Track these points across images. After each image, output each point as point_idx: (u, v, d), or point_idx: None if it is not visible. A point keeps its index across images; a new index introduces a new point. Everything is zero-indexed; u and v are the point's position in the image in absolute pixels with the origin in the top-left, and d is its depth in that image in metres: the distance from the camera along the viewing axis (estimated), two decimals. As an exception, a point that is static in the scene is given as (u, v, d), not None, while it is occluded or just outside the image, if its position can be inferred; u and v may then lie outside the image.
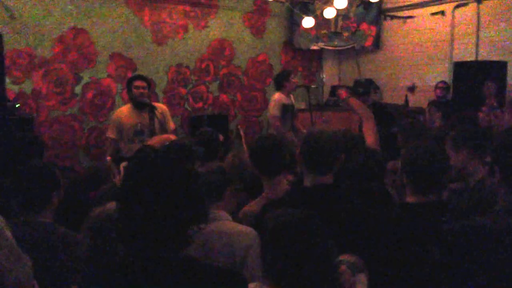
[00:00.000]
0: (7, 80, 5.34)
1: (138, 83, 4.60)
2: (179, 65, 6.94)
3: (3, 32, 4.97)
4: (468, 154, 2.62)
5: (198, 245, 2.05)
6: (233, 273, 1.56)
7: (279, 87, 5.87)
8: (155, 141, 3.60)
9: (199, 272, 1.39)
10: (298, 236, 1.54)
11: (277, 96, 5.81)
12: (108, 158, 4.35)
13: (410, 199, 2.22)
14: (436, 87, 6.67)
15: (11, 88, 5.54)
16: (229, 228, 2.18)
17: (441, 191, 2.22)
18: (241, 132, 7.18)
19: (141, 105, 4.54)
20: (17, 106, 5.11)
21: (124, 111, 4.70)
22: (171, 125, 4.84)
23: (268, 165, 2.54)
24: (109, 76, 6.31)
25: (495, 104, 5.22)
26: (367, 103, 7.02)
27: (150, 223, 1.33)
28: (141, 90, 4.59)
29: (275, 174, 2.54)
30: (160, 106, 4.77)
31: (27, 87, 5.72)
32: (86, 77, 6.13)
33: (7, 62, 5.35)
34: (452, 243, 1.63)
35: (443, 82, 6.71)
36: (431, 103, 6.22)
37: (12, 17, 5.48)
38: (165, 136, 3.95)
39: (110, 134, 4.72)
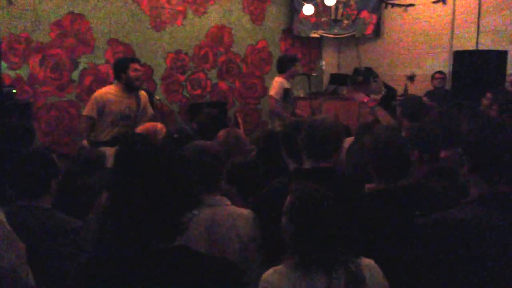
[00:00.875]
0: (4, 65, 5.31)
1: (136, 66, 4.45)
2: (177, 52, 6.90)
3: (1, 17, 4.94)
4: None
5: (204, 233, 2.06)
6: (228, 263, 1.56)
7: (282, 70, 5.71)
8: (142, 129, 3.57)
9: (193, 262, 1.38)
10: (318, 208, 1.68)
11: (279, 79, 5.66)
12: (84, 141, 4.25)
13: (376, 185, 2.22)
14: (433, 77, 6.65)
15: (8, 73, 5.50)
16: (232, 212, 2.17)
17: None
18: (239, 120, 7.17)
19: (134, 88, 4.42)
20: (14, 91, 5.06)
21: (111, 92, 4.44)
22: (150, 110, 4.70)
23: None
24: (106, 62, 6.26)
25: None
26: (367, 92, 7.02)
27: (142, 212, 1.31)
28: (139, 73, 4.46)
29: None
30: (143, 94, 4.64)
31: (24, 72, 5.68)
32: (83, 63, 6.09)
33: (4, 47, 5.33)
34: (426, 237, 1.64)
35: (440, 72, 6.67)
36: (427, 93, 6.20)
37: (9, 2, 5.42)
38: (150, 124, 3.88)
39: (89, 112, 4.38)
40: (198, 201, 1.50)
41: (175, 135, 3.40)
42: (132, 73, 4.38)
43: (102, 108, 4.36)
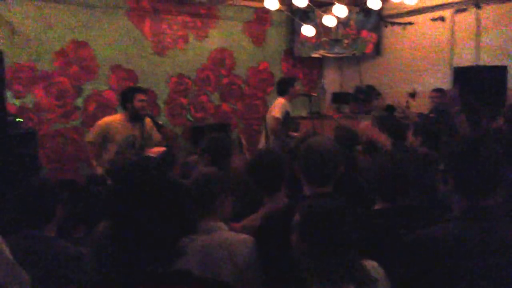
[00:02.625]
0: (9, 94, 5.39)
1: (141, 96, 4.55)
2: (180, 76, 6.97)
3: (4, 47, 5.03)
4: None
5: (199, 259, 2.05)
6: (226, 285, 1.57)
7: (282, 93, 5.80)
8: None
9: (193, 285, 1.40)
10: (330, 223, 1.69)
11: (281, 100, 5.73)
12: (94, 164, 4.28)
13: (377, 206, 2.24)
14: (430, 96, 6.26)
15: (13, 102, 5.58)
16: (228, 238, 2.15)
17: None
18: (243, 141, 7.20)
19: (140, 118, 4.51)
20: (18, 120, 5.12)
21: (116, 120, 4.56)
22: (156, 136, 4.74)
23: (269, 181, 2.48)
24: (110, 88, 6.34)
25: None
26: (368, 110, 7.06)
27: (140, 236, 1.34)
28: (144, 104, 4.56)
29: (275, 189, 2.50)
30: (148, 121, 4.71)
31: (28, 100, 5.76)
32: (87, 90, 6.17)
33: (8, 76, 5.41)
34: (409, 255, 1.65)
35: (436, 90, 6.22)
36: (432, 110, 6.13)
37: (13, 32, 5.52)
38: (156, 149, 3.93)
39: (92, 138, 4.52)
40: (195, 226, 1.52)
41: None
42: (137, 103, 4.49)
43: (106, 135, 4.46)
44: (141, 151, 4.45)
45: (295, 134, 5.82)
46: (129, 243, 1.34)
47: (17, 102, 5.66)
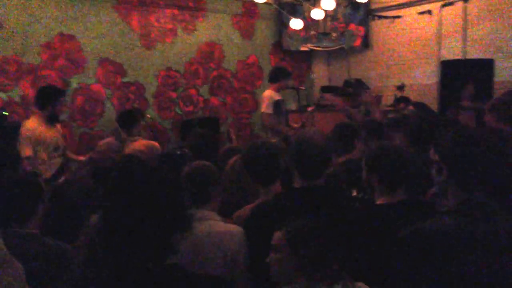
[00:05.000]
0: (-5, 87, 5.33)
1: (64, 101, 4.55)
2: (168, 69, 6.94)
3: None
4: None
5: (188, 247, 2.06)
6: (219, 280, 1.57)
7: (273, 80, 5.74)
8: (137, 148, 3.59)
9: (185, 280, 1.40)
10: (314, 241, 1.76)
11: (268, 93, 5.71)
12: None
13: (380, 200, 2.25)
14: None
15: (0, 96, 5.52)
16: (218, 228, 2.18)
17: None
18: (232, 135, 7.19)
19: (57, 120, 4.42)
20: (5, 114, 5.07)
21: (36, 125, 4.29)
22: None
23: (263, 174, 2.49)
24: (98, 81, 6.29)
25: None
26: (357, 103, 7.07)
27: (134, 233, 1.33)
28: (65, 108, 4.58)
29: (270, 182, 2.51)
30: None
31: (15, 94, 5.69)
32: (75, 83, 6.11)
33: (-5, 69, 5.35)
34: (406, 250, 1.66)
35: (403, 100, 6.21)
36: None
37: (0, 25, 5.45)
38: (146, 143, 3.90)
39: (27, 153, 4.15)
40: (189, 223, 1.52)
41: (178, 152, 3.41)
42: (60, 108, 4.42)
43: (34, 144, 4.24)
44: (64, 152, 4.46)
45: (295, 125, 5.81)
46: (122, 238, 1.34)
47: (4, 96, 5.59)
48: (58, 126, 4.55)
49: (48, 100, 4.34)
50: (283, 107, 5.72)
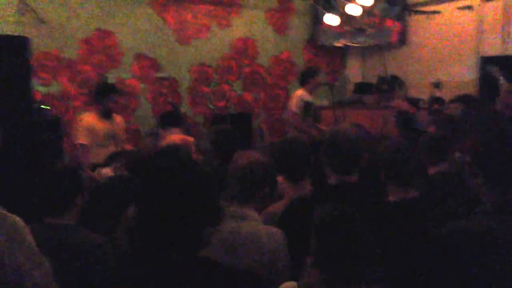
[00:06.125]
0: (35, 82, 5.48)
1: (116, 97, 4.73)
2: (202, 65, 6.99)
3: (30, 35, 5.11)
4: None
5: (224, 244, 2.06)
6: (251, 275, 1.57)
7: (303, 83, 5.86)
8: (172, 143, 3.63)
9: (216, 273, 1.40)
10: (343, 229, 1.65)
11: (299, 92, 5.81)
12: (88, 170, 4.37)
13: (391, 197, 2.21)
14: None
15: (40, 90, 5.67)
16: (257, 229, 2.14)
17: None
18: (264, 130, 7.20)
19: (110, 115, 4.67)
20: (44, 107, 5.22)
21: (92, 116, 4.67)
22: (124, 135, 4.95)
23: (295, 169, 2.47)
24: (133, 76, 6.40)
25: None
26: (390, 101, 6.97)
27: (166, 226, 1.34)
28: (116, 106, 4.76)
29: (301, 178, 2.49)
30: (118, 116, 4.89)
31: (54, 88, 5.84)
32: (111, 78, 6.23)
33: (35, 64, 5.50)
34: (440, 248, 1.62)
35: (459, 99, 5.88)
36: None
37: (39, 20, 5.60)
38: (180, 137, 3.99)
39: (83, 140, 4.58)
40: (222, 217, 1.52)
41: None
42: (112, 104, 4.67)
43: (90, 133, 4.58)
44: (119, 142, 4.70)
45: (322, 127, 5.83)
46: (155, 231, 1.36)
47: (43, 90, 5.75)
48: (118, 118, 4.82)
49: (101, 95, 4.67)
50: (311, 109, 5.77)
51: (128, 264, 1.51)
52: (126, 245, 2.21)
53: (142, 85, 6.46)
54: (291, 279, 2.08)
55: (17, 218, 1.53)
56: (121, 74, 6.31)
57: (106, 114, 4.65)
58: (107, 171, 3.95)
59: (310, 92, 5.84)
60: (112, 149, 4.58)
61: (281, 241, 2.12)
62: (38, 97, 5.50)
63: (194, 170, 1.42)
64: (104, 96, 4.65)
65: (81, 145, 4.59)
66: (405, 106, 6.62)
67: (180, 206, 1.34)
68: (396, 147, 2.27)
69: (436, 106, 6.08)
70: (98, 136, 4.61)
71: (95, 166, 4.25)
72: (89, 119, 4.67)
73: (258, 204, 2.29)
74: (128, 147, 5.01)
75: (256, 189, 2.22)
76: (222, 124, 4.49)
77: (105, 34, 6.14)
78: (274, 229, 2.18)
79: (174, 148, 3.20)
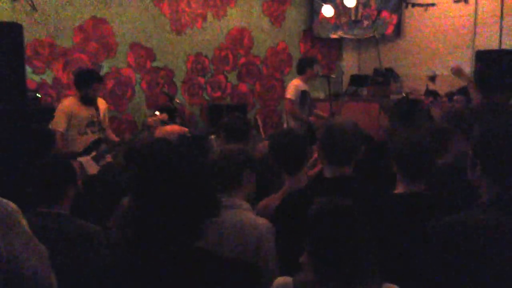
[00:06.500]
0: (29, 70, 5.43)
1: (98, 86, 4.72)
2: (198, 54, 6.95)
3: (25, 22, 5.04)
4: None
5: (211, 233, 2.06)
6: (247, 264, 1.56)
7: (300, 72, 5.87)
8: (165, 132, 3.63)
9: (212, 263, 1.40)
10: (339, 223, 1.58)
11: (295, 81, 5.83)
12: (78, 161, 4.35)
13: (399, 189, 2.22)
14: (451, 99, 5.73)
15: (33, 78, 5.62)
16: (242, 218, 2.16)
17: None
18: (259, 122, 7.19)
19: (93, 102, 4.64)
20: (38, 96, 5.17)
21: (73, 103, 4.64)
22: (106, 121, 4.94)
23: (290, 162, 2.48)
24: (128, 65, 6.35)
25: None
26: (386, 93, 6.97)
27: (162, 216, 1.34)
28: (98, 94, 4.73)
29: (297, 170, 2.50)
30: (102, 101, 4.87)
31: (48, 76, 5.79)
32: (106, 67, 6.19)
33: (28, 52, 5.45)
34: (438, 241, 1.62)
35: (461, 92, 5.51)
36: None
37: (33, 8, 5.53)
38: (174, 127, 3.97)
39: (60, 127, 4.52)
40: (218, 209, 1.51)
41: (188, 135, 3.41)
42: (92, 92, 4.62)
43: (68, 119, 4.55)
44: (102, 130, 4.66)
45: (321, 113, 5.83)
46: (151, 220, 1.35)
47: (37, 78, 5.70)
48: (101, 105, 4.78)
49: (83, 83, 4.62)
50: (308, 98, 5.78)
51: (121, 254, 1.50)
52: (119, 235, 2.20)
53: (137, 75, 6.42)
54: (287, 274, 2.08)
55: (11, 203, 1.52)
56: (116, 63, 6.26)
57: (87, 101, 4.60)
58: (86, 159, 3.92)
59: (306, 81, 5.86)
60: (95, 137, 4.56)
61: (267, 231, 2.13)
62: (32, 85, 5.45)
63: (190, 160, 1.41)
64: (87, 84, 4.60)
65: (60, 132, 4.50)
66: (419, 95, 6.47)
67: (176, 197, 1.34)
68: (411, 138, 2.26)
69: (431, 99, 6.09)
70: (78, 123, 4.57)
71: (74, 155, 4.23)
72: (69, 105, 4.63)
73: (246, 189, 2.28)
74: (112, 135, 4.98)
75: (237, 175, 2.22)
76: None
77: (100, 22, 6.08)
78: (260, 219, 2.20)
79: (169, 139, 3.20)
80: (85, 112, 4.61)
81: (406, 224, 2.03)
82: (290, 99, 5.70)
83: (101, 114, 4.71)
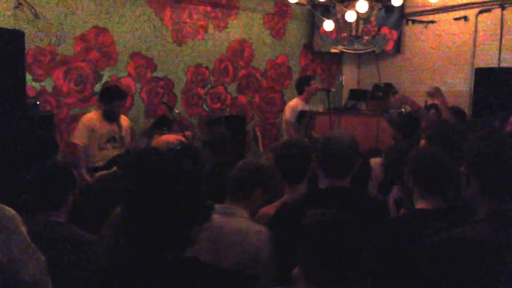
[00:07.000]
0: (29, 77, 5.44)
1: (122, 103, 4.79)
2: (198, 66, 6.98)
3: (26, 30, 5.07)
4: None
5: (209, 240, 2.08)
6: (239, 275, 1.56)
7: (299, 92, 5.91)
8: (161, 141, 3.64)
9: (203, 273, 1.39)
10: (332, 235, 1.56)
11: (293, 102, 5.86)
12: (83, 171, 4.38)
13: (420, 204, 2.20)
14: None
15: (33, 85, 5.63)
16: (242, 226, 2.18)
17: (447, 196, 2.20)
18: (258, 134, 7.20)
19: (115, 118, 4.69)
20: (37, 103, 5.17)
21: (95, 117, 4.72)
22: (129, 138, 4.95)
23: (293, 172, 2.51)
24: (129, 75, 6.37)
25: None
26: (385, 108, 6.98)
27: (153, 224, 1.34)
28: (120, 110, 4.78)
29: (298, 181, 2.52)
30: (125, 118, 4.93)
31: (48, 84, 5.80)
32: (106, 76, 6.20)
33: (29, 59, 5.47)
34: (435, 257, 1.61)
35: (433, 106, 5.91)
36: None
37: (35, 15, 5.56)
38: (169, 137, 3.99)
39: (79, 141, 4.61)
40: (209, 215, 1.51)
41: (178, 147, 3.43)
42: (115, 109, 4.68)
43: (89, 134, 4.61)
44: (123, 145, 4.67)
45: (316, 135, 5.85)
46: (142, 228, 1.34)
47: (37, 85, 5.71)
48: (124, 122, 4.84)
49: (107, 98, 4.69)
50: (305, 118, 5.79)
51: (113, 262, 1.49)
52: (112, 244, 2.19)
53: (137, 84, 6.44)
54: (280, 284, 2.07)
55: (11, 210, 1.51)
56: (116, 72, 6.27)
57: (109, 117, 4.66)
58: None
59: (307, 100, 5.88)
60: (115, 152, 4.58)
61: (265, 238, 2.15)
62: (31, 92, 5.46)
63: (179, 169, 1.42)
64: (110, 99, 4.66)
65: (75, 144, 4.59)
66: (409, 100, 6.50)
67: (166, 205, 1.34)
68: (428, 153, 2.25)
69: (433, 111, 6.12)
70: (98, 138, 4.61)
71: (95, 169, 4.25)
72: (90, 119, 4.70)
73: (253, 204, 2.31)
74: None
75: (248, 189, 2.26)
76: (219, 127, 4.54)
77: (102, 31, 6.11)
78: (259, 227, 2.21)
79: (157, 147, 3.21)
80: (106, 128, 4.66)
81: (400, 239, 2.01)
82: (288, 121, 5.75)
83: (123, 131, 4.74)
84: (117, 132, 4.67)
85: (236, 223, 2.18)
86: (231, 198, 2.27)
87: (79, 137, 4.61)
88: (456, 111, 5.41)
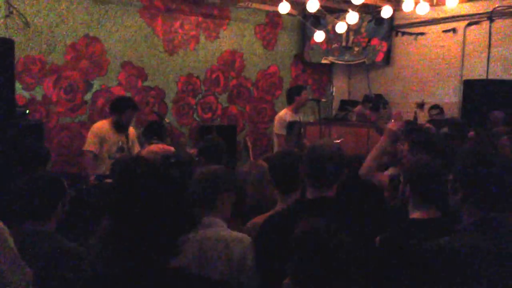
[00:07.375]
0: (19, 86, 5.41)
1: (132, 114, 4.78)
2: (189, 75, 6.99)
3: (17, 39, 5.05)
4: None
5: (194, 252, 2.08)
6: (223, 284, 1.56)
7: (289, 102, 5.88)
8: (149, 151, 3.65)
9: (189, 283, 1.39)
10: (324, 245, 1.56)
11: (282, 113, 5.80)
12: (92, 178, 4.38)
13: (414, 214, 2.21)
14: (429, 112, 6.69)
15: (23, 94, 5.60)
16: (224, 235, 2.17)
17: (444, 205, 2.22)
18: (249, 144, 7.21)
19: (125, 129, 4.74)
20: (27, 112, 5.14)
21: (105, 127, 4.76)
22: (137, 147, 4.95)
23: (285, 182, 2.52)
24: (119, 84, 6.36)
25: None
26: (376, 118, 7.03)
27: (138, 234, 1.34)
28: (130, 121, 4.82)
29: (291, 191, 2.51)
30: (131, 128, 4.94)
31: (38, 93, 5.78)
32: (96, 85, 6.19)
33: (19, 68, 5.44)
34: (419, 266, 1.62)
35: (435, 107, 6.67)
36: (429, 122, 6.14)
37: (26, 24, 5.55)
38: (159, 147, 4.03)
39: (92, 147, 4.67)
40: (195, 225, 1.52)
41: (172, 160, 3.44)
42: (127, 119, 4.73)
43: (101, 142, 4.67)
44: (131, 155, 4.64)
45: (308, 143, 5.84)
46: (127, 241, 1.34)
47: (26, 94, 5.68)
48: (131, 131, 4.87)
49: (118, 108, 4.74)
50: (295, 128, 5.77)
51: (100, 274, 1.48)
52: (99, 255, 2.18)
53: (127, 94, 6.43)
54: (263, 286, 2.08)
55: None
56: (107, 82, 6.26)
57: (119, 126, 4.70)
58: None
59: (296, 110, 5.82)
60: None
61: (248, 246, 2.15)
62: (21, 101, 5.43)
63: (164, 178, 1.42)
64: (121, 110, 4.70)
65: (91, 151, 4.65)
66: (366, 112, 6.72)
67: (151, 214, 1.34)
68: (425, 163, 2.27)
69: (437, 111, 6.27)
70: (109, 147, 4.66)
71: (103, 177, 4.23)
72: (101, 127, 4.75)
73: (224, 212, 2.29)
74: None
75: (210, 199, 2.23)
76: (212, 135, 4.57)
77: (93, 40, 6.11)
78: (241, 235, 2.21)
79: (144, 157, 3.21)
80: (115, 137, 4.70)
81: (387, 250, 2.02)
82: (278, 134, 5.71)
83: (130, 141, 4.78)
84: (125, 142, 4.72)
85: (218, 233, 2.17)
86: (201, 208, 2.23)
87: (90, 145, 4.68)
88: (452, 123, 5.45)
